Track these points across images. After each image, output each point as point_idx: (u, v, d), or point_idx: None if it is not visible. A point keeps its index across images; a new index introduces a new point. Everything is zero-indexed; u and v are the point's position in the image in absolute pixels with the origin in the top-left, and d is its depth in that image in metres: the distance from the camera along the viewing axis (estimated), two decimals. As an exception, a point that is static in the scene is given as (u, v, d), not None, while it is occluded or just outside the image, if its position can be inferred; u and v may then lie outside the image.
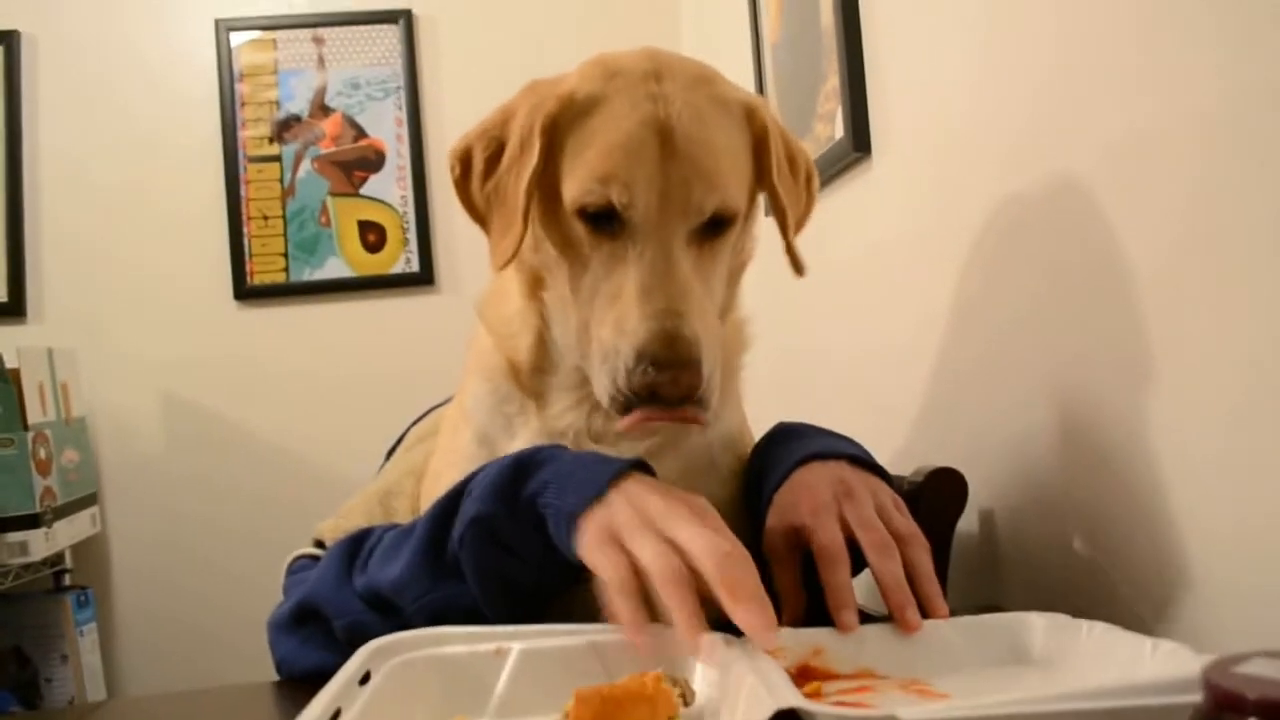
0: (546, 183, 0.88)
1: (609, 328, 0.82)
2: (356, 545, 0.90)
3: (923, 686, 0.71)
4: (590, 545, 0.72)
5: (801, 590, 0.84)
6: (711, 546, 0.68)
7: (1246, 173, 0.73)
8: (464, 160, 0.93)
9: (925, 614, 0.78)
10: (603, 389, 0.83)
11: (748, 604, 0.66)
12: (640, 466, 0.79)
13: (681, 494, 0.75)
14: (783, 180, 0.92)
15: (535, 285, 0.93)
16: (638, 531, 0.71)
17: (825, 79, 1.55)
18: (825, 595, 0.79)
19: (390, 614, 0.83)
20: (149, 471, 2.63)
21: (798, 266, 0.95)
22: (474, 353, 1.02)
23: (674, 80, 0.85)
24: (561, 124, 0.86)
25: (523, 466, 0.80)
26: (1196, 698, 0.51)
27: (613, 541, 0.71)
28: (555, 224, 0.88)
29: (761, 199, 0.95)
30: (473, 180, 0.92)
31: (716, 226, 0.86)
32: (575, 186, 0.84)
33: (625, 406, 0.81)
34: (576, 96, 0.85)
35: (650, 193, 0.82)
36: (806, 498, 0.85)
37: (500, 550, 0.80)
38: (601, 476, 0.76)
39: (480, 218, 0.93)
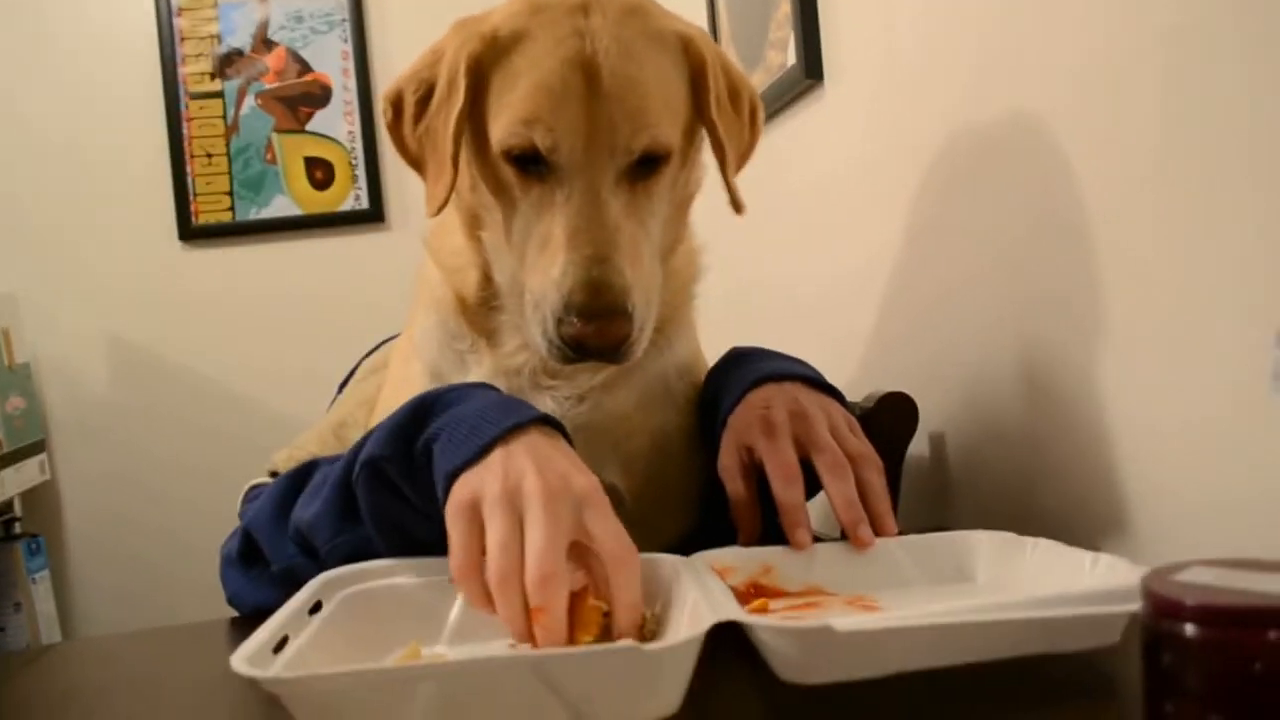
0: (477, 123, 0.86)
1: (538, 275, 0.81)
2: (299, 480, 0.88)
3: (868, 603, 0.72)
4: (450, 512, 0.69)
5: (757, 510, 0.85)
6: (540, 558, 0.63)
7: (1209, 93, 0.73)
8: (395, 104, 0.91)
9: (876, 532, 0.79)
10: (535, 338, 0.82)
11: (544, 627, 0.62)
12: (546, 422, 0.74)
13: (569, 469, 0.69)
14: (723, 115, 0.90)
15: (473, 225, 0.92)
16: (496, 508, 0.66)
17: (777, 5, 1.53)
18: (779, 514, 0.80)
19: (316, 557, 0.82)
20: (97, 416, 2.59)
21: (737, 205, 0.94)
22: (422, 284, 1.01)
23: (603, 13, 0.82)
24: (485, 63, 0.84)
25: (423, 410, 0.77)
26: (1131, 607, 0.53)
27: (472, 514, 0.67)
28: (488, 165, 0.86)
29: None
30: (405, 124, 0.90)
31: (649, 165, 0.84)
32: (500, 130, 0.82)
33: (560, 355, 0.80)
34: (499, 34, 0.83)
35: (575, 135, 0.80)
36: (760, 419, 0.85)
37: (392, 495, 0.77)
38: (490, 431, 0.71)
39: (414, 161, 0.92)
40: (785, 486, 0.80)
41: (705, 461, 0.92)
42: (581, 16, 0.82)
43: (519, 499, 0.66)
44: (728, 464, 0.87)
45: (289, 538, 0.85)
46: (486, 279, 0.93)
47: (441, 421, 0.75)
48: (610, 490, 0.89)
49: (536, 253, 0.82)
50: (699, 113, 0.89)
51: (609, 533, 0.66)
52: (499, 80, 0.83)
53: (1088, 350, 0.87)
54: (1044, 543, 0.74)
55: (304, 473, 0.88)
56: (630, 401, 0.93)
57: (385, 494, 0.78)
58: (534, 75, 0.81)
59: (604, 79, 0.80)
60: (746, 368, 0.93)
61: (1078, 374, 0.89)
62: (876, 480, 0.82)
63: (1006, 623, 0.57)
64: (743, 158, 0.96)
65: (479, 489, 0.68)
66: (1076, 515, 0.90)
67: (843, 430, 0.85)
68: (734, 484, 0.86)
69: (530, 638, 0.63)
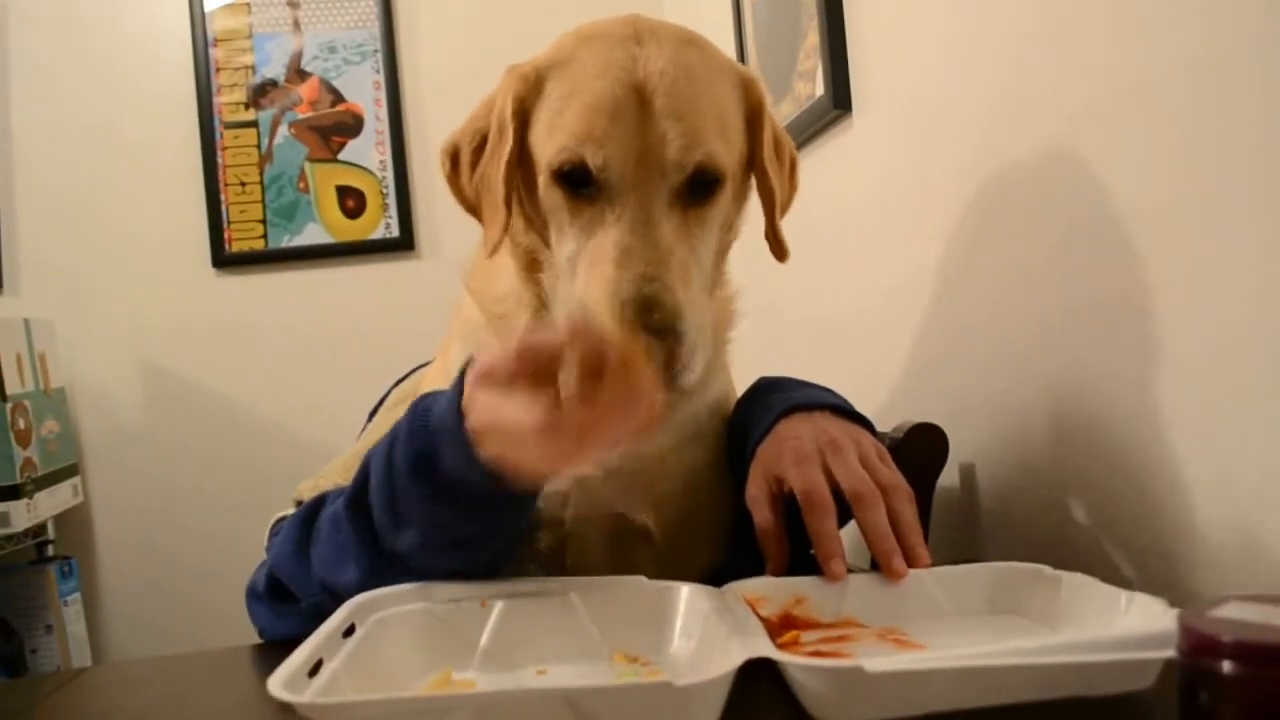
0: (526, 163, 0.87)
1: (588, 293, 0.80)
2: (313, 512, 0.89)
3: (900, 636, 0.71)
4: (479, 427, 0.68)
5: (785, 540, 0.84)
6: (510, 354, 0.64)
7: (1231, 124, 0.73)
8: (452, 156, 0.93)
9: (908, 563, 0.78)
10: None
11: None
12: None
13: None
14: (771, 163, 0.91)
15: (532, 266, 0.92)
16: (476, 385, 0.68)
17: (805, 36, 1.54)
18: (814, 545, 0.79)
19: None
20: (130, 441, 2.61)
21: (781, 252, 0.95)
22: (460, 319, 1.01)
23: (658, 43, 0.83)
24: (529, 100, 0.85)
25: (423, 463, 0.75)
26: (1167, 653, 0.52)
27: (490, 428, 0.68)
28: (538, 203, 0.87)
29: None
30: (461, 174, 0.92)
31: (703, 190, 0.83)
32: (549, 151, 0.82)
33: None
34: (541, 68, 0.85)
35: (626, 151, 0.79)
36: (790, 449, 0.84)
37: (457, 551, 0.78)
38: (452, 416, 0.72)
39: (472, 209, 0.93)
40: (817, 517, 0.79)
41: (735, 497, 0.92)
42: (634, 44, 0.82)
43: (491, 384, 0.66)
44: (755, 494, 0.86)
45: (315, 578, 0.86)
46: (537, 319, 0.92)
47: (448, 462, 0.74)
48: (640, 529, 0.89)
49: (586, 272, 0.81)
50: (751, 154, 0.90)
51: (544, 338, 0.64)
52: (545, 110, 0.84)
53: (1117, 380, 0.87)
54: (1078, 578, 0.73)
55: (314, 508, 0.89)
56: (664, 444, 0.93)
57: (452, 554, 0.77)
58: (584, 97, 0.81)
59: (657, 99, 0.80)
60: (775, 396, 0.93)
61: (1107, 404, 0.88)
62: (908, 511, 0.81)
63: (1040, 666, 0.56)
64: (784, 208, 0.97)
65: (469, 411, 0.69)
66: (1108, 547, 0.89)
67: (873, 460, 0.84)
68: (761, 513, 0.85)
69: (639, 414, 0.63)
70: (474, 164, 0.91)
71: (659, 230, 0.80)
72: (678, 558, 0.91)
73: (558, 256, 0.85)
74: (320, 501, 0.90)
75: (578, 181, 0.82)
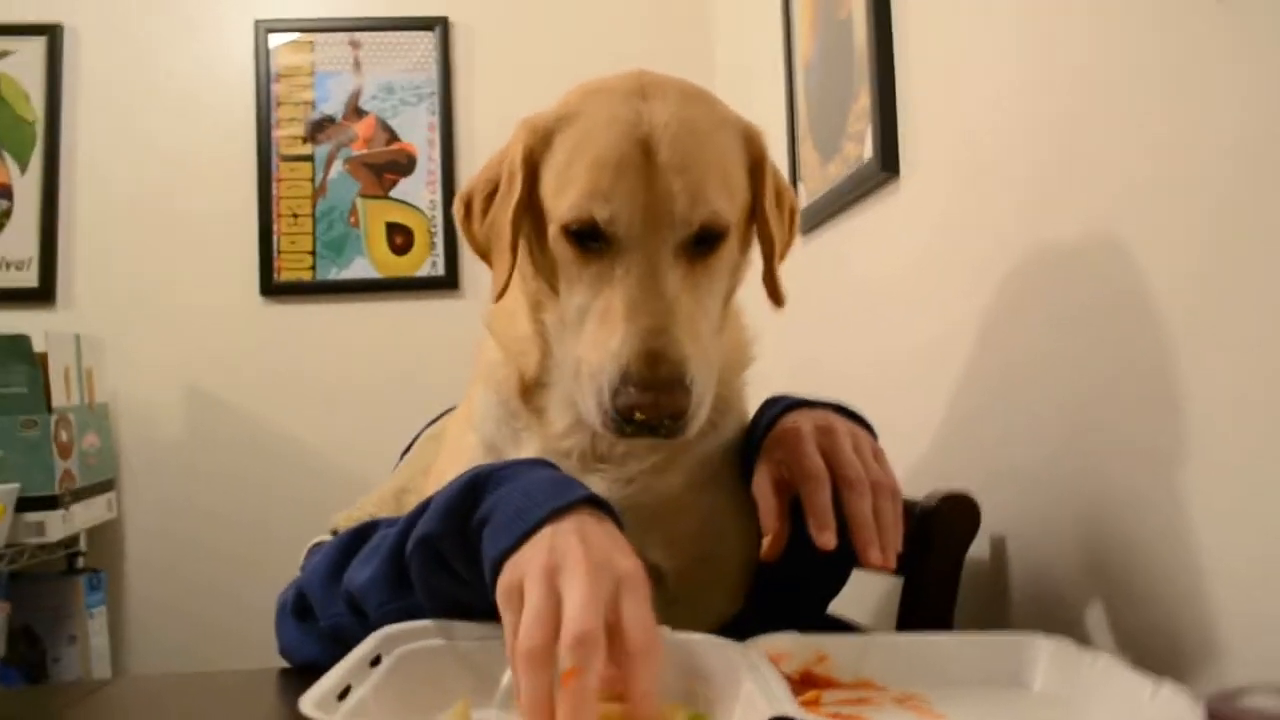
0: (535, 212, 0.89)
1: (596, 349, 0.81)
2: (355, 542, 0.89)
3: (919, 703, 0.71)
4: (499, 598, 0.68)
5: (785, 519, 0.86)
6: (579, 619, 0.61)
7: (1272, 208, 0.73)
8: (466, 203, 0.96)
9: (881, 558, 0.81)
10: (589, 410, 0.82)
11: (573, 697, 0.59)
12: (594, 503, 0.73)
13: (613, 549, 0.68)
14: (772, 212, 0.93)
15: (536, 310, 0.94)
16: (535, 584, 0.65)
17: (856, 98, 1.56)
18: (807, 516, 0.82)
19: (365, 618, 0.82)
20: (167, 461, 2.65)
21: (778, 298, 0.96)
22: (482, 362, 1.03)
23: (663, 98, 0.85)
24: (538, 152, 0.87)
25: (477, 486, 0.76)
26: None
27: (516, 596, 0.66)
28: (547, 252, 0.89)
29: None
30: (474, 220, 0.95)
31: (707, 243, 0.85)
32: (559, 208, 0.84)
33: (615, 428, 0.80)
34: (550, 124, 0.87)
35: (633, 207, 0.81)
36: (789, 433, 0.88)
37: (446, 572, 0.77)
38: (537, 514, 0.70)
39: (482, 253, 0.96)
40: (812, 488, 0.82)
41: (754, 544, 0.92)
42: (639, 99, 0.85)
43: (559, 574, 0.65)
44: (759, 483, 0.88)
45: (339, 597, 0.86)
46: (545, 358, 0.95)
47: (493, 500, 0.75)
48: (652, 569, 0.90)
49: (595, 327, 0.82)
50: (754, 202, 0.92)
51: (639, 620, 0.64)
52: (553, 164, 0.87)
53: (1156, 455, 0.86)
54: (1104, 659, 0.72)
55: (360, 534, 0.89)
56: (678, 483, 0.93)
57: (440, 572, 0.77)
58: (590, 151, 0.83)
59: (662, 152, 0.82)
60: (781, 402, 0.96)
61: (1140, 483, 0.88)
62: (890, 509, 0.84)
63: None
64: (782, 254, 0.99)
65: (522, 569, 0.67)
66: (1136, 629, 0.88)
67: (867, 454, 0.87)
68: (765, 498, 0.87)
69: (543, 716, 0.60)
70: (485, 210, 0.94)
71: (665, 282, 0.81)
72: (693, 603, 0.91)
73: (566, 306, 0.87)
74: (368, 528, 0.90)
75: (586, 237, 0.83)
